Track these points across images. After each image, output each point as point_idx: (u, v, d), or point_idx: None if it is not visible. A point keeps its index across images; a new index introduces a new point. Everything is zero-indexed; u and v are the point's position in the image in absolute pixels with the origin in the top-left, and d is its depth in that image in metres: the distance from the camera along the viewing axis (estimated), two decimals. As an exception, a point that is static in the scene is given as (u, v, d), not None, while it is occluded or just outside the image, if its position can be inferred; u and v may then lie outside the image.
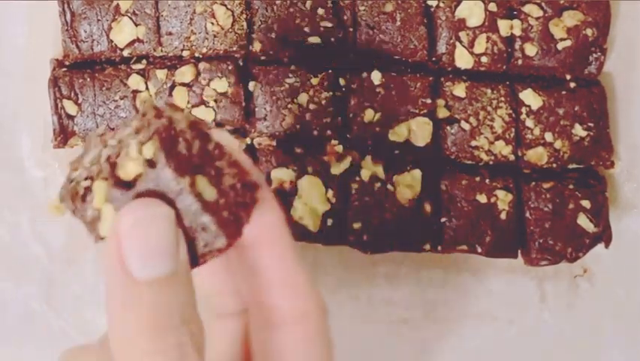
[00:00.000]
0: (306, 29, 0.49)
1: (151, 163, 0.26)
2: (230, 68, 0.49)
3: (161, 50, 0.50)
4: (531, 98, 0.50)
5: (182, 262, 0.26)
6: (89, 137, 0.29)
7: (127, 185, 0.26)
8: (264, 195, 0.29)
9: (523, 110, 0.50)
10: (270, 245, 0.30)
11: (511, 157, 0.50)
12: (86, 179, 0.27)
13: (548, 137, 0.50)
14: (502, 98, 0.50)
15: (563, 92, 0.50)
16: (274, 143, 0.49)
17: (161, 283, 0.25)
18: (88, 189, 0.27)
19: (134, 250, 0.25)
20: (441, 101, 0.50)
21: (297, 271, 0.30)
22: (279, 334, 0.30)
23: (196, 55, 0.50)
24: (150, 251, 0.25)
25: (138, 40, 0.50)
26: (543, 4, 0.50)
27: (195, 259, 0.27)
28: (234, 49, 0.50)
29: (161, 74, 0.49)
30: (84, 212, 0.27)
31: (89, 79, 0.49)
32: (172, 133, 0.26)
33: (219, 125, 0.49)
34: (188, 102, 0.49)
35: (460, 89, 0.50)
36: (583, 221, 0.49)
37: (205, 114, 0.49)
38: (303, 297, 0.30)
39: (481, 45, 0.50)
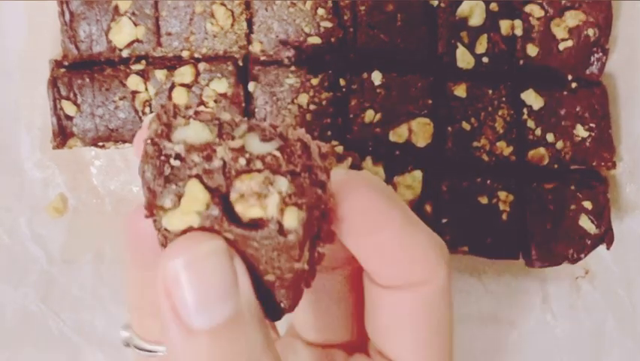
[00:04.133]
0: (306, 29, 0.49)
1: (281, 229, 0.22)
2: (229, 68, 0.49)
3: (161, 51, 0.50)
4: (532, 98, 0.50)
5: (246, 299, 0.23)
6: (203, 112, 0.24)
7: (231, 213, 0.23)
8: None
9: (525, 110, 0.50)
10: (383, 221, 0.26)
11: (513, 158, 0.49)
12: (177, 157, 0.23)
13: (550, 137, 0.50)
14: (504, 99, 0.50)
15: (565, 93, 0.50)
16: (274, 143, 0.49)
17: (221, 330, 0.22)
18: (176, 174, 0.23)
19: (186, 297, 0.22)
20: (441, 102, 0.49)
21: (418, 236, 0.28)
22: (403, 295, 0.28)
23: (196, 55, 0.50)
24: (205, 296, 0.22)
25: (137, 40, 0.50)
26: (544, 4, 0.50)
27: (277, 311, 0.24)
28: (234, 49, 0.50)
29: (160, 74, 0.49)
30: (159, 193, 0.23)
31: (88, 79, 0.49)
32: (319, 208, 0.23)
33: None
34: (188, 103, 0.49)
35: (460, 90, 0.49)
36: (584, 222, 0.49)
37: (205, 115, 0.49)
38: (421, 263, 0.28)
39: (482, 45, 0.50)
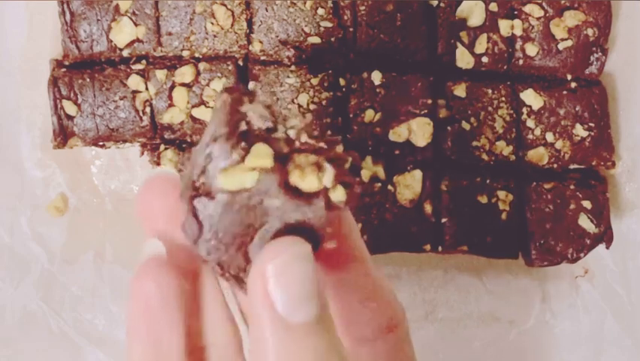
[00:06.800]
0: (306, 29, 0.49)
1: (329, 203, 0.25)
2: (230, 68, 0.49)
3: (161, 50, 0.50)
4: (532, 98, 0.50)
5: (326, 304, 0.25)
6: (264, 99, 0.27)
7: (287, 182, 0.25)
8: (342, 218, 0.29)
9: (524, 110, 0.50)
10: (355, 260, 0.29)
11: (512, 157, 0.50)
12: (246, 123, 0.25)
13: (549, 137, 0.50)
14: (503, 99, 0.50)
15: (564, 93, 0.50)
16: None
17: (313, 325, 0.24)
18: (245, 135, 0.25)
19: (283, 295, 0.24)
20: (441, 101, 0.50)
21: (383, 281, 0.30)
22: (372, 346, 0.30)
23: (196, 55, 0.50)
24: (299, 295, 0.24)
25: (138, 40, 0.50)
26: (544, 4, 0.50)
27: None
28: (234, 49, 0.50)
29: (160, 74, 0.49)
30: (226, 148, 0.25)
31: (88, 79, 0.49)
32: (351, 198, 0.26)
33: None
34: (188, 102, 0.49)
35: (460, 89, 0.49)
36: (584, 221, 0.49)
37: (205, 114, 0.49)
38: (393, 306, 0.30)
39: (481, 45, 0.50)
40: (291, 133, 0.25)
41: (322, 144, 0.26)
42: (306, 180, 0.25)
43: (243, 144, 0.25)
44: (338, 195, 0.25)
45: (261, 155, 0.24)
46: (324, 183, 0.25)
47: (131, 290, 0.27)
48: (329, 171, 0.25)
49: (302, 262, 0.24)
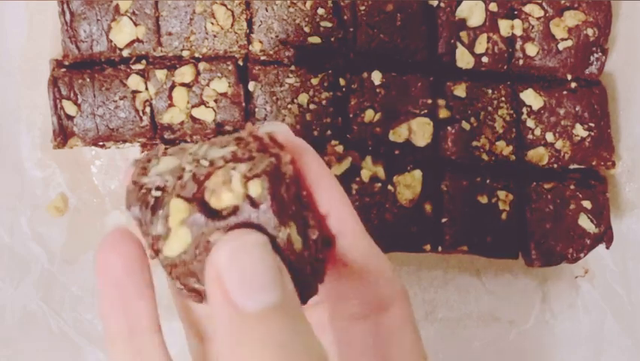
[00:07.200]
0: (306, 29, 0.49)
1: (253, 202, 0.25)
2: (230, 68, 0.49)
3: (161, 50, 0.50)
4: (532, 98, 0.50)
5: (289, 291, 0.24)
6: (170, 148, 0.28)
7: (213, 213, 0.25)
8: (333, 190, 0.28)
9: (524, 110, 0.50)
10: (354, 236, 0.29)
11: (512, 157, 0.50)
12: (157, 189, 0.26)
13: (549, 137, 0.50)
14: (503, 99, 0.50)
15: (564, 93, 0.50)
16: (274, 143, 0.49)
17: (271, 314, 0.23)
18: (159, 201, 0.25)
19: (236, 282, 0.24)
20: (441, 101, 0.50)
21: (383, 257, 0.29)
22: (364, 324, 0.29)
23: (196, 55, 0.50)
24: (254, 281, 0.24)
25: (138, 40, 0.50)
26: (544, 4, 0.50)
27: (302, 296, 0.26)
28: (234, 49, 0.50)
29: (160, 74, 0.49)
30: (150, 224, 0.25)
31: (88, 79, 0.49)
32: (279, 174, 0.25)
33: (220, 125, 0.49)
34: (188, 102, 0.49)
35: (460, 89, 0.49)
36: (584, 221, 0.49)
37: (205, 114, 0.49)
38: (383, 284, 0.29)
39: (481, 45, 0.50)
40: (191, 167, 0.26)
41: (232, 147, 0.26)
42: (222, 200, 0.25)
43: (160, 212, 0.25)
44: (254, 190, 0.25)
45: (177, 211, 0.25)
46: (235, 191, 0.25)
47: (97, 264, 0.27)
48: (235, 178, 0.25)
49: (255, 248, 0.24)
